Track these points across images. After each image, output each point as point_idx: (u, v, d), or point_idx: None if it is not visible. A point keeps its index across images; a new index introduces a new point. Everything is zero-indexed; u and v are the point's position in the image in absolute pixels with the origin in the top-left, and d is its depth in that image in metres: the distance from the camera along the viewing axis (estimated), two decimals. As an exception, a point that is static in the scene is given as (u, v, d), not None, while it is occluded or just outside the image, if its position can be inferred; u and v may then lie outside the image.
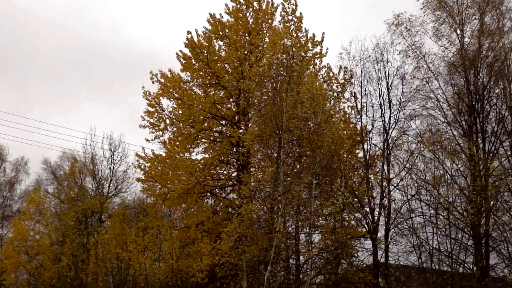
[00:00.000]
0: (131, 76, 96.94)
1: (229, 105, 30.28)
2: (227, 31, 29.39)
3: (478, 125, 23.56)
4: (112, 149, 44.84)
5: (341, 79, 26.66)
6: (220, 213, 29.65)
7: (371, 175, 25.12)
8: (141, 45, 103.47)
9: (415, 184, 23.81)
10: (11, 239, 45.01)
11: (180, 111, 29.35)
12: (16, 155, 67.34)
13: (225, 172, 30.45)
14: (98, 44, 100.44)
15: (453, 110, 24.36)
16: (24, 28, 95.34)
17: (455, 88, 24.52)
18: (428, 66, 25.01)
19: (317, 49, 27.49)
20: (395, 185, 24.58)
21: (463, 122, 23.96)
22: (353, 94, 25.92)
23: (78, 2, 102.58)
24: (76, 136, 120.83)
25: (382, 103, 25.47)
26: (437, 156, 23.20)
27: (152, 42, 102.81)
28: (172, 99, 29.51)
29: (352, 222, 25.86)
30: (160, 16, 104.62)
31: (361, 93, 25.76)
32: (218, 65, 29.31)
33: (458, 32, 25.05)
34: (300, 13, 27.56)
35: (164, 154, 29.43)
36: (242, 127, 29.23)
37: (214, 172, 29.99)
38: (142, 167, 29.51)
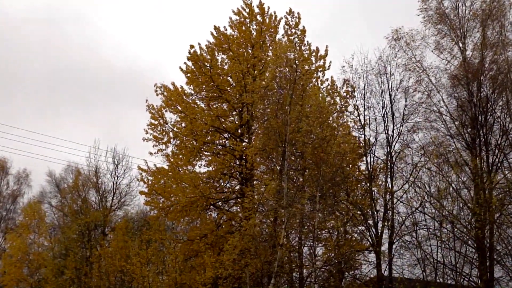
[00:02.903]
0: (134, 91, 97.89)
1: (232, 118, 30.32)
2: (230, 44, 29.50)
3: (481, 138, 23.53)
4: (116, 162, 44.86)
5: (343, 92, 26.70)
6: (223, 226, 29.59)
7: (375, 188, 25.07)
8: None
9: (419, 197, 23.73)
10: (8, 254, 44.92)
11: (183, 124, 29.40)
12: (18, 167, 67.42)
13: (228, 185, 30.44)
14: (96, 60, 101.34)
15: (456, 123, 24.35)
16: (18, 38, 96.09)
17: (458, 100, 24.53)
18: (429, 79, 25.08)
19: (321, 63, 27.60)
20: (398, 198, 24.52)
21: (466, 134, 23.93)
22: (356, 107, 25.94)
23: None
24: (80, 149, 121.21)
25: (385, 115, 25.50)
26: (440, 169, 23.15)
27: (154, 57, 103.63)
28: (175, 113, 29.59)
29: (356, 235, 25.77)
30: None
31: (364, 105, 25.81)
32: (221, 78, 29.39)
33: (460, 45, 25.13)
34: (303, 26, 27.75)
35: (167, 167, 29.45)
36: (245, 140, 29.26)
37: (217, 185, 29.97)
38: (145, 180, 29.53)
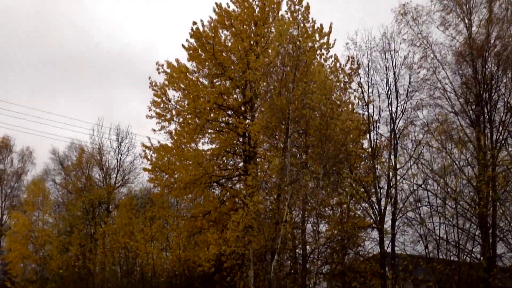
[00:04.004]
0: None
1: (236, 96, 30.23)
2: (233, 21, 29.28)
3: (485, 115, 23.43)
4: (119, 140, 44.96)
5: (347, 70, 26.56)
6: (227, 203, 29.71)
7: (378, 165, 25.08)
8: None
9: (422, 174, 23.74)
10: (13, 231, 45.28)
11: (186, 102, 29.35)
12: (21, 145, 67.70)
13: (231, 162, 30.49)
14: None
15: (460, 100, 24.23)
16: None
17: (463, 77, 24.38)
18: (435, 55, 24.88)
19: (324, 40, 27.40)
20: (402, 175, 24.53)
21: (471, 111, 23.82)
22: (360, 84, 25.84)
23: None
24: (84, 127, 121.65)
25: (389, 93, 25.38)
26: (444, 146, 23.11)
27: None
28: (178, 90, 29.52)
29: (359, 212, 25.86)
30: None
31: (368, 83, 25.69)
32: (224, 55, 29.23)
33: (466, 21, 24.86)
34: (307, 3, 27.48)
35: (170, 145, 29.47)
36: (248, 118, 29.22)
37: (221, 163, 30.01)
38: (149, 157, 29.58)
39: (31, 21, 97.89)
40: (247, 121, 28.84)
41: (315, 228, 24.02)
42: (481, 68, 23.64)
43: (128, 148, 45.11)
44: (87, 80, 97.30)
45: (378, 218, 23.98)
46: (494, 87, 23.49)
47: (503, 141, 23.13)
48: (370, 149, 25.41)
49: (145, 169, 30.70)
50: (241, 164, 29.96)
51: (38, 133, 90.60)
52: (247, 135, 28.38)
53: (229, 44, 29.45)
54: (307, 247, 25.17)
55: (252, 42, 28.84)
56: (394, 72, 25.38)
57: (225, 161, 30.29)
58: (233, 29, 29.25)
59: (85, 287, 35.49)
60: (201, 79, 30.05)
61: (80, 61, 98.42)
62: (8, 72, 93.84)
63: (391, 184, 24.33)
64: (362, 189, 24.42)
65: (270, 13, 29.41)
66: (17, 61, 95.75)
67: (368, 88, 25.60)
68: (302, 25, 26.53)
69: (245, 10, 29.22)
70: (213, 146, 29.73)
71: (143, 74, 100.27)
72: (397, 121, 25.05)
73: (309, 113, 23.01)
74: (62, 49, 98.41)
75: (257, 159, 28.21)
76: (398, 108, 25.16)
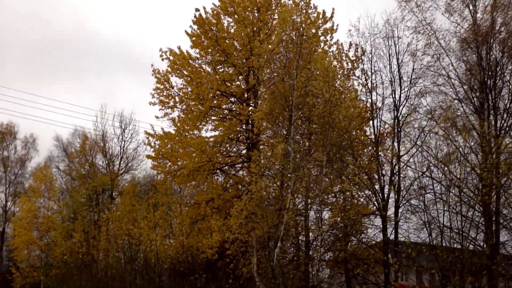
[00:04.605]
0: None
1: (239, 83, 30.15)
2: (236, 7, 29.11)
3: (490, 102, 23.30)
4: (123, 127, 44.99)
5: (351, 56, 26.42)
6: (230, 190, 29.73)
7: (381, 152, 25.02)
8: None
9: (426, 162, 23.67)
10: (19, 217, 45.44)
11: (189, 89, 29.28)
12: (25, 132, 67.83)
13: (235, 149, 30.48)
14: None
15: (464, 87, 24.08)
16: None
17: (467, 64, 24.21)
18: (439, 42, 24.68)
19: (328, 25, 27.23)
20: (405, 162, 24.48)
21: (475, 99, 23.69)
22: (363, 71, 25.70)
23: None
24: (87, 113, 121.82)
25: (392, 80, 25.25)
26: (448, 133, 23.02)
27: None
28: (181, 77, 29.43)
29: (362, 199, 25.83)
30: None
31: (371, 70, 25.55)
32: (227, 42, 29.12)
33: (471, 7, 24.63)
34: (310, -11, 27.30)
35: (173, 132, 29.45)
36: (251, 105, 29.14)
37: (224, 150, 30.01)
38: (152, 144, 29.58)
39: (32, 7, 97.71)
40: (250, 108, 28.77)
41: (318, 215, 24.01)
42: (485, 55, 23.46)
43: (131, 135, 45.18)
44: (88, 68, 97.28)
45: (381, 205, 23.96)
46: (498, 74, 23.33)
47: (507, 128, 23.02)
48: (373, 136, 25.34)
49: (148, 156, 30.75)
50: (244, 151, 29.97)
51: (42, 120, 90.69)
52: (250, 122, 28.33)
53: (232, 31, 29.33)
54: (310, 234, 25.18)
55: (255, 29, 28.70)
56: (398, 59, 25.25)
57: (228, 148, 30.29)
58: (236, 15, 29.11)
59: (89, 273, 35.65)
60: (204, 66, 30.00)
61: (80, 48, 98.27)
62: (10, 59, 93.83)
63: (395, 172, 24.28)
64: (366, 176, 24.38)
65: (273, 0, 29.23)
66: (21, 46, 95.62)
67: (372, 75, 25.51)
68: (304, 11, 26.36)
69: (248, -4, 29.05)
70: (216, 133, 29.74)
71: (145, 62, 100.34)
72: (401, 108, 24.96)
73: (312, 101, 22.90)
74: (62, 36, 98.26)
75: (260, 146, 28.18)
76: (402, 95, 25.06)
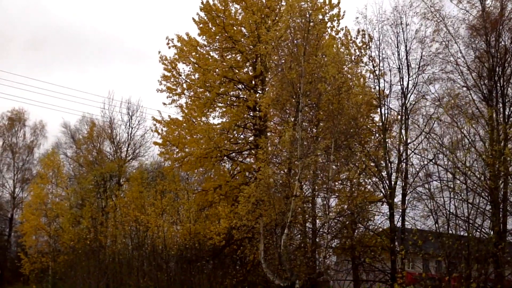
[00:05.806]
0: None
1: (246, 69, 30.10)
2: (243, -7, 29.01)
3: (498, 89, 23.22)
4: (130, 113, 45.09)
5: (359, 43, 26.31)
6: (237, 177, 29.81)
7: (388, 139, 25.00)
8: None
9: (433, 149, 23.64)
10: (29, 203, 45.73)
11: (196, 76, 29.28)
12: (34, 119, 68.00)
13: (242, 136, 30.51)
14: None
15: (473, 74, 23.99)
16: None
17: (476, 51, 24.10)
18: (447, 29, 24.56)
19: (334, 12, 27.07)
20: (412, 149, 24.46)
21: (483, 86, 23.60)
22: (371, 58, 25.61)
23: None
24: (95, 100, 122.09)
25: (400, 67, 25.18)
26: (455, 120, 22.97)
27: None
28: (188, 64, 29.41)
29: (369, 186, 25.87)
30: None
31: (379, 57, 25.47)
32: (235, 29, 29.05)
33: (480, -7, 24.48)
34: (317, -25, 27.07)
35: (181, 119, 29.49)
36: (259, 91, 29.13)
37: (231, 136, 30.04)
38: (160, 131, 29.65)
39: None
40: (258, 94, 28.76)
41: (325, 202, 24.09)
42: (494, 42, 23.35)
43: (138, 121, 45.28)
44: (92, 56, 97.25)
45: (388, 193, 23.98)
46: (507, 61, 23.22)
47: (515, 116, 22.95)
48: (381, 124, 25.31)
49: (155, 143, 30.84)
50: (251, 138, 29.99)
51: (50, 107, 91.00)
52: (257, 109, 28.34)
53: (240, 17, 29.24)
54: (317, 221, 25.28)
55: (262, 16, 28.58)
56: (406, 46, 25.16)
57: (236, 135, 30.31)
58: (243, 2, 28.99)
59: (97, 259, 35.93)
60: (211, 53, 29.94)
61: (83, 36, 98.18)
62: (16, 46, 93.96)
63: (402, 159, 24.28)
64: (373, 164, 24.39)
65: (280, -14, 29.09)
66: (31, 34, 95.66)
67: (380, 62, 25.43)
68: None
69: (256, -18, 28.91)
70: (224, 120, 29.74)
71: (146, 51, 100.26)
72: (409, 95, 24.91)
73: (323, 87, 22.84)
74: (66, 24, 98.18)
75: (268, 133, 28.20)
76: (410, 82, 24.99)
